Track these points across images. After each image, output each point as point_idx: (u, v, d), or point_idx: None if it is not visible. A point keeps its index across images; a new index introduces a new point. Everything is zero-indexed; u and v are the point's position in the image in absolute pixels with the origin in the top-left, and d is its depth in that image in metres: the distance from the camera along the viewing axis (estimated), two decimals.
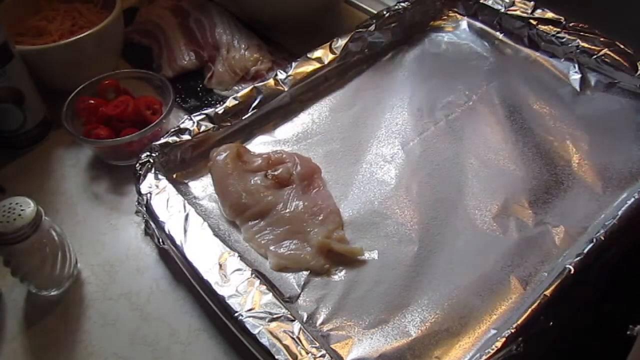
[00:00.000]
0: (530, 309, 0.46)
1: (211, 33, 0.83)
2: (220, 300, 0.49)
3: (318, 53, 0.72)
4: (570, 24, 0.72)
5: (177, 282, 0.56)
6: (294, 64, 0.71)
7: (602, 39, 0.69)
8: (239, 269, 0.50)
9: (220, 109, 0.66)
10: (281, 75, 0.70)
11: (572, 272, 0.48)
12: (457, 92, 0.70)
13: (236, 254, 0.52)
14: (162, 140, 0.62)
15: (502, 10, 0.77)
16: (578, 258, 0.49)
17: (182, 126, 0.64)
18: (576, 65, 0.71)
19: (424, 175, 0.61)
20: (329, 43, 0.73)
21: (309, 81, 0.71)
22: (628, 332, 0.37)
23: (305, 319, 0.50)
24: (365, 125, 0.67)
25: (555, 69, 0.72)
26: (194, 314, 0.54)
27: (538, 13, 0.75)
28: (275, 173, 0.61)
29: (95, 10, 0.79)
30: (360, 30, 0.75)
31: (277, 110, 0.70)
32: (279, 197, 0.59)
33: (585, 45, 0.70)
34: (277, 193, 0.60)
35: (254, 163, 0.62)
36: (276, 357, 0.44)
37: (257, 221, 0.58)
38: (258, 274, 0.51)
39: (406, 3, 0.78)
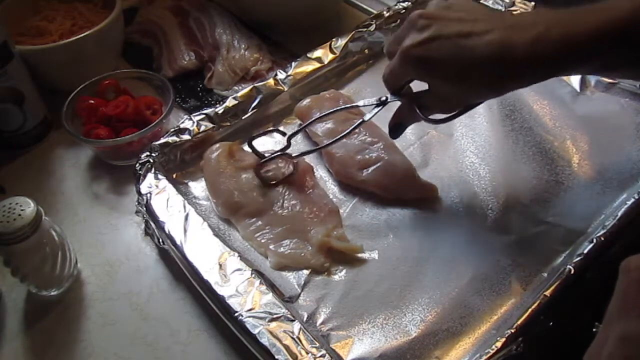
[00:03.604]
0: (530, 309, 0.46)
1: (211, 33, 0.83)
2: (220, 300, 0.49)
3: (318, 53, 0.72)
4: None
5: (177, 282, 0.56)
6: (294, 64, 0.71)
7: None
8: (239, 269, 0.51)
9: (220, 109, 0.66)
10: (281, 75, 0.70)
11: (572, 272, 0.48)
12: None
13: (236, 254, 0.52)
14: (162, 140, 0.62)
15: (503, 10, 0.77)
16: (578, 258, 0.49)
17: (182, 126, 0.64)
18: None
19: (424, 176, 0.61)
20: (329, 43, 0.73)
21: (308, 81, 0.71)
22: (594, 329, 0.37)
23: (305, 319, 0.50)
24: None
25: None
26: (194, 314, 0.54)
27: None
28: (269, 174, 0.61)
29: (95, 10, 0.79)
30: (360, 30, 0.75)
31: (276, 110, 0.70)
32: (274, 196, 0.59)
33: None
34: (271, 192, 0.60)
35: (246, 161, 0.62)
36: (276, 357, 0.44)
37: (254, 220, 0.58)
38: (258, 273, 0.51)
39: (406, 3, 0.78)
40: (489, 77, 0.45)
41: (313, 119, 0.62)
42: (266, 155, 0.61)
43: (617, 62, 0.45)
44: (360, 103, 0.58)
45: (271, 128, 0.62)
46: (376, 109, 0.56)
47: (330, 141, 0.59)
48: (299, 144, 0.67)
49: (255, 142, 0.61)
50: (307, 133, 0.67)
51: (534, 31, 0.43)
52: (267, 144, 0.66)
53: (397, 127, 0.56)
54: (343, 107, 0.61)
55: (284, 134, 0.61)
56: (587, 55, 0.43)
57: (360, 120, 0.57)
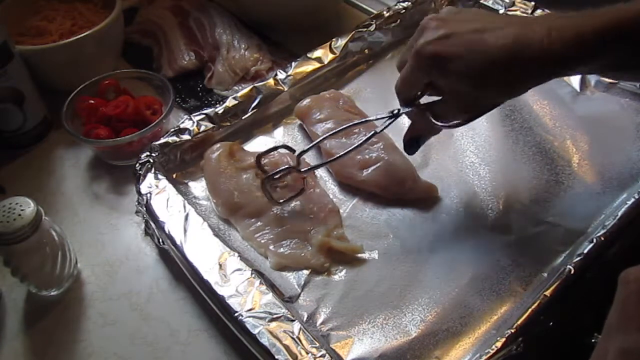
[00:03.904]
0: (530, 309, 0.46)
1: (211, 33, 0.83)
2: (220, 300, 0.49)
3: (318, 53, 0.72)
4: None
5: (177, 282, 0.56)
6: (294, 64, 0.71)
7: None
8: (239, 269, 0.51)
9: (220, 109, 0.66)
10: (281, 75, 0.70)
11: (572, 272, 0.48)
12: None
13: (236, 254, 0.52)
14: (162, 140, 0.62)
15: (502, 10, 0.77)
16: (578, 258, 0.49)
17: (182, 126, 0.64)
18: None
19: (424, 176, 0.61)
20: (329, 43, 0.73)
21: (308, 81, 0.71)
22: (593, 340, 0.37)
23: (305, 319, 0.50)
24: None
25: None
26: (194, 314, 0.54)
27: (538, 13, 0.75)
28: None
29: (95, 10, 0.79)
30: (360, 30, 0.75)
31: (276, 110, 0.70)
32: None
33: None
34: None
35: (246, 161, 0.62)
36: (276, 357, 0.44)
37: (254, 220, 0.58)
38: (258, 273, 0.51)
39: (406, 3, 0.78)
40: (505, 73, 0.45)
41: (324, 136, 0.59)
42: (274, 170, 0.59)
43: (624, 62, 0.45)
44: (372, 117, 0.57)
45: (280, 144, 0.59)
46: (388, 122, 0.55)
47: (341, 153, 0.56)
48: (298, 144, 0.67)
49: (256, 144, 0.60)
50: (306, 133, 0.67)
51: (547, 27, 0.43)
52: (269, 143, 0.66)
53: (412, 142, 0.55)
54: (356, 122, 0.59)
55: (293, 151, 0.58)
56: (595, 51, 0.43)
57: (372, 132, 0.55)
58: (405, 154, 0.58)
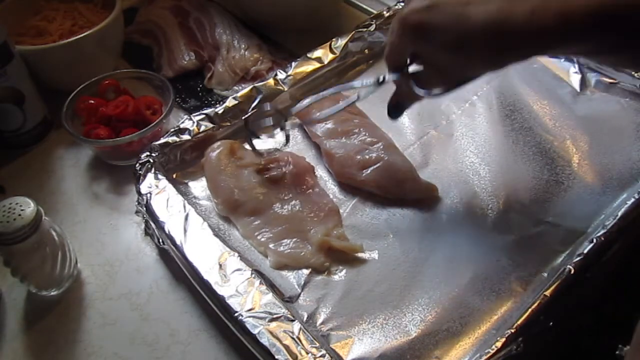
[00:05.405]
0: (530, 309, 0.46)
1: (211, 33, 0.83)
2: (220, 300, 0.49)
3: (318, 53, 0.72)
4: None
5: (177, 282, 0.56)
6: (294, 64, 0.71)
7: None
8: (239, 269, 0.51)
9: (220, 109, 0.66)
10: (281, 75, 0.70)
11: (572, 272, 0.48)
12: (457, 92, 0.70)
13: (236, 254, 0.52)
14: (162, 140, 0.62)
15: None
16: (578, 258, 0.49)
17: (182, 126, 0.64)
18: (576, 66, 0.71)
19: (424, 176, 0.61)
20: (329, 43, 0.73)
21: (308, 81, 0.71)
22: (617, 352, 0.37)
23: (305, 319, 0.50)
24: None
25: (555, 69, 0.72)
26: (194, 314, 0.54)
27: None
28: (267, 175, 0.61)
29: (95, 10, 0.79)
30: (360, 30, 0.75)
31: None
32: (274, 195, 0.59)
33: None
34: (271, 191, 0.60)
35: (247, 159, 0.62)
36: (276, 357, 0.44)
37: (253, 218, 0.58)
38: (258, 273, 0.51)
39: None
40: (487, 47, 0.44)
41: (314, 96, 0.59)
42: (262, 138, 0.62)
43: (608, 45, 0.44)
44: (357, 83, 0.56)
45: (267, 107, 0.61)
46: (373, 89, 0.54)
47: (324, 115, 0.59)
48: (299, 144, 0.67)
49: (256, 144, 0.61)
50: (307, 133, 0.67)
51: (533, 2, 0.42)
52: (269, 143, 0.66)
53: (396, 107, 0.55)
54: (336, 87, 0.57)
55: (282, 113, 0.60)
56: (581, 31, 0.42)
57: (356, 97, 0.55)
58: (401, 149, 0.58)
